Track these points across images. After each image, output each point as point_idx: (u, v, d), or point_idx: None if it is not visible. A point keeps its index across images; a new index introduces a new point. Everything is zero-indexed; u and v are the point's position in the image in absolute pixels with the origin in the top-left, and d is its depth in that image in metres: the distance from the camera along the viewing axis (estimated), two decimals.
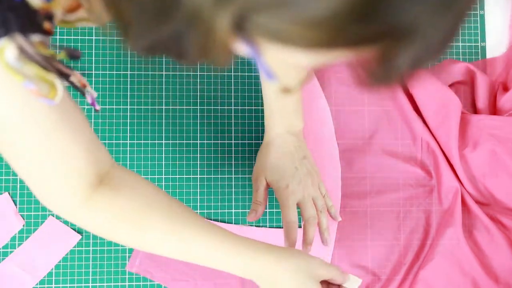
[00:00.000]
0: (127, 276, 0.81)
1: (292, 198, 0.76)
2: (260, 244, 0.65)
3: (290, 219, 0.75)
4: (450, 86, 0.88)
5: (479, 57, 0.91)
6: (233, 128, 0.85)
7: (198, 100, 0.85)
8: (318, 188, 0.79)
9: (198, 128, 0.85)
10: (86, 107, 0.83)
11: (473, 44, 0.91)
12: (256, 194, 0.79)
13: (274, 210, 0.84)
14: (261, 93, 0.84)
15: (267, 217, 0.84)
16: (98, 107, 0.58)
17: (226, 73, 0.86)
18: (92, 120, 0.83)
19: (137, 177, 0.64)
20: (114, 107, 0.83)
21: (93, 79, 0.83)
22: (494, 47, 0.91)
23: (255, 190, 0.79)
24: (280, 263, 0.65)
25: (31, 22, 0.44)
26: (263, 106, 0.80)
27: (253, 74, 0.83)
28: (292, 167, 0.77)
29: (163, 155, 0.83)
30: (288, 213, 0.75)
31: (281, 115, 0.78)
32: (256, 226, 0.84)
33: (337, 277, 0.69)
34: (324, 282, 0.70)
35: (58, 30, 0.83)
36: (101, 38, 0.84)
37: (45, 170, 0.54)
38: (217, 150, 0.84)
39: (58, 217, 0.81)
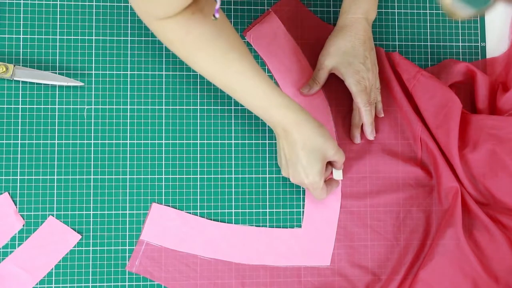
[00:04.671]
0: (127, 276, 0.81)
1: (362, 83, 0.79)
2: (296, 104, 0.73)
3: (367, 102, 0.80)
4: (450, 86, 0.88)
5: (479, 57, 0.91)
6: (233, 128, 0.85)
7: (198, 100, 0.85)
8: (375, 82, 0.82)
9: (198, 128, 0.85)
10: (86, 107, 0.83)
11: (473, 44, 0.91)
12: (317, 73, 0.82)
13: (274, 210, 0.84)
14: None
15: (267, 217, 0.84)
16: (217, 15, 0.62)
17: None
18: (92, 120, 0.83)
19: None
20: (114, 107, 0.83)
21: (93, 79, 0.83)
22: (494, 47, 0.91)
23: (318, 69, 0.82)
24: (300, 127, 0.72)
25: None
26: None
27: None
28: (363, 55, 0.79)
29: (163, 155, 0.83)
30: (364, 98, 0.80)
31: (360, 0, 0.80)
32: (256, 226, 0.84)
33: (338, 163, 0.79)
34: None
35: (58, 30, 0.83)
36: (101, 38, 0.84)
37: None
38: (217, 150, 0.84)
39: (58, 217, 0.81)
